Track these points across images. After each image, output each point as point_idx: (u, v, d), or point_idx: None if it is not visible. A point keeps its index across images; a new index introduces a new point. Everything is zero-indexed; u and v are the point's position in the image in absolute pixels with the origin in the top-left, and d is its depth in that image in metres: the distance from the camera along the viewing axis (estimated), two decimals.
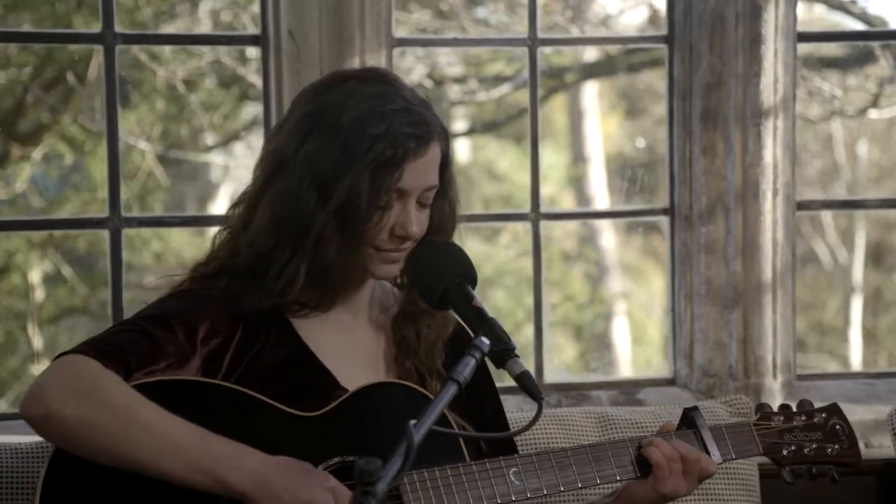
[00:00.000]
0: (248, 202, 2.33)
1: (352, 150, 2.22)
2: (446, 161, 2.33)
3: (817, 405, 2.53)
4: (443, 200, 2.35)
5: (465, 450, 2.27)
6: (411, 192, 2.26)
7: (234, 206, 2.37)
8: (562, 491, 2.26)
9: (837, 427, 2.51)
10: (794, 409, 2.51)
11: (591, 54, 8.64)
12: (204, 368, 2.24)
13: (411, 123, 2.25)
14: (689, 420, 2.40)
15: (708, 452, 2.36)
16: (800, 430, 2.48)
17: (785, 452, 2.46)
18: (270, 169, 2.29)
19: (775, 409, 2.51)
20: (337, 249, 2.24)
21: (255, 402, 2.21)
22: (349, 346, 2.36)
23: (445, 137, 2.32)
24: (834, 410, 2.53)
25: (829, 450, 2.48)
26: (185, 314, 2.25)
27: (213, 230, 2.47)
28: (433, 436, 1.86)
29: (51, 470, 2.15)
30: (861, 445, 3.48)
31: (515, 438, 2.49)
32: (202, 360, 2.24)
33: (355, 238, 2.24)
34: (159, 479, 2.10)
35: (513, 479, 2.22)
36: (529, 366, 3.09)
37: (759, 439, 2.44)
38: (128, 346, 2.18)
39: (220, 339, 2.26)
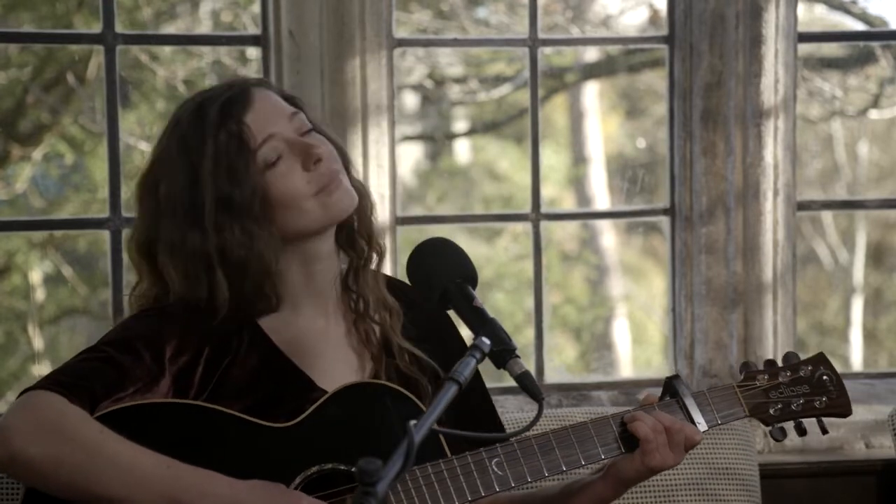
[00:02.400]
0: (147, 283, 2.31)
1: (193, 162, 2.21)
2: (294, 104, 2.30)
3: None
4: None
5: (444, 443, 2.25)
6: (280, 129, 2.24)
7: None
8: (546, 476, 2.22)
9: (825, 378, 2.43)
10: (780, 364, 2.44)
11: (591, 54, 8.64)
12: (175, 387, 2.21)
13: (219, 95, 2.25)
14: (671, 389, 2.36)
15: (693, 421, 2.32)
16: (786, 386, 2.41)
17: (772, 411, 2.39)
18: (146, 241, 2.27)
19: (760, 366, 2.45)
20: (241, 244, 2.21)
21: (228, 419, 2.18)
22: (325, 346, 2.33)
23: (262, 82, 2.31)
24: (820, 360, 2.45)
25: (818, 402, 2.41)
26: (150, 335, 2.22)
27: None
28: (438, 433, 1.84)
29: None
30: (861, 445, 3.50)
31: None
32: (172, 379, 2.21)
33: (255, 220, 2.21)
34: None
35: (496, 469, 2.20)
36: (530, 366, 3.09)
37: (743, 401, 2.38)
38: (92, 375, 2.15)
39: (189, 355, 2.23)
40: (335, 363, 2.33)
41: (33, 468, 2.08)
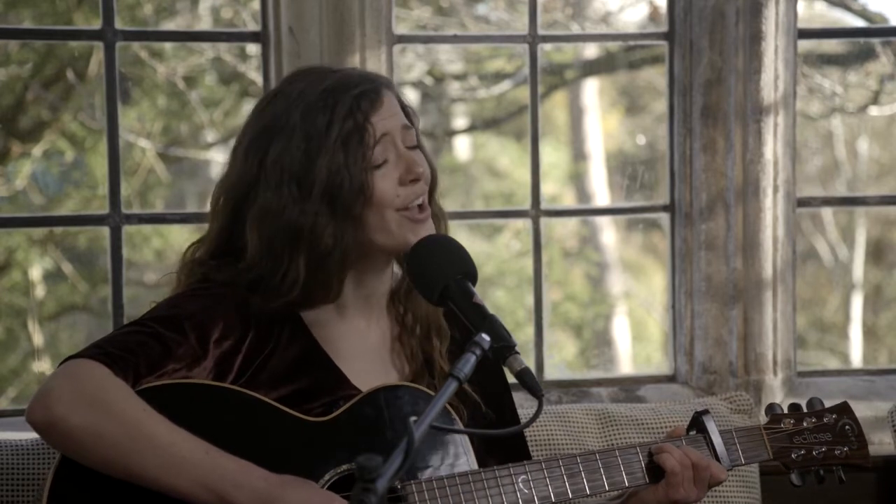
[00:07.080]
0: (217, 234, 2.31)
1: (315, 136, 2.22)
2: (408, 116, 2.34)
3: (827, 404, 2.51)
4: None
5: (471, 447, 2.27)
6: (394, 135, 2.27)
7: (197, 242, 2.35)
8: (570, 498, 2.25)
9: (847, 427, 2.48)
10: (805, 410, 2.48)
11: (591, 51, 8.64)
12: (216, 371, 2.22)
13: (355, 86, 2.27)
14: (698, 423, 2.38)
15: (718, 458, 2.35)
16: (810, 433, 2.46)
17: (794, 456, 2.44)
18: (237, 196, 2.27)
19: (785, 409, 2.48)
20: (332, 235, 2.22)
21: (265, 407, 2.20)
22: (364, 348, 2.34)
23: (391, 85, 2.34)
24: (844, 410, 2.50)
25: (838, 451, 2.46)
26: (198, 315, 2.23)
27: None
28: (439, 431, 1.85)
29: (57, 478, 2.13)
30: None
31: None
32: (214, 363, 2.22)
33: (352, 216, 2.23)
34: (164, 494, 2.09)
35: (521, 486, 2.21)
36: (530, 363, 3.09)
37: (769, 444, 2.43)
38: (138, 349, 2.17)
39: (233, 340, 2.24)
40: (371, 366, 2.34)
41: (73, 438, 2.09)
